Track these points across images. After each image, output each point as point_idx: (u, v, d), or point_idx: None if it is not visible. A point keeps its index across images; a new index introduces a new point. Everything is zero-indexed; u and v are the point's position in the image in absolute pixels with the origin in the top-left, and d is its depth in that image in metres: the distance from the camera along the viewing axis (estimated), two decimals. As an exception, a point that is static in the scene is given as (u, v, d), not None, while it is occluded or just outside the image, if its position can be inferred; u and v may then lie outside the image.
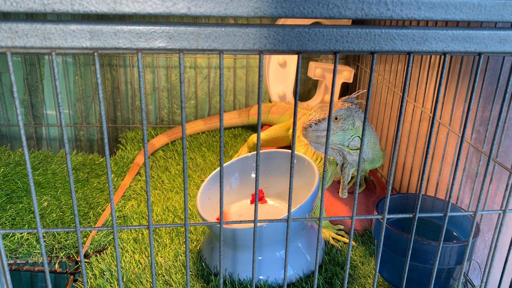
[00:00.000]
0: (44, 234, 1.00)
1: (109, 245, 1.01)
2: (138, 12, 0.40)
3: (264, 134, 1.33)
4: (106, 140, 0.45)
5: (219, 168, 1.20)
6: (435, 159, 1.06)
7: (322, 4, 0.41)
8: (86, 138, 1.70)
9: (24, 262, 0.97)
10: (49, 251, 0.99)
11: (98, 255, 0.96)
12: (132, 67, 1.62)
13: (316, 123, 0.89)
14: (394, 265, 0.80)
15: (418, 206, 0.52)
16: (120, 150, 1.53)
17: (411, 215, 0.53)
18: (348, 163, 0.96)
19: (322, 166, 1.02)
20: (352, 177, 1.09)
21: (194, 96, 1.69)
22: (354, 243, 1.02)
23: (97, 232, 1.02)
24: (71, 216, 1.10)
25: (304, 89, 1.76)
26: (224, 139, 1.26)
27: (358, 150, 0.95)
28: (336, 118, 0.91)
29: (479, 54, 0.45)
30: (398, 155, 1.25)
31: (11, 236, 0.99)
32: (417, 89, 1.13)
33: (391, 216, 0.53)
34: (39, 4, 0.38)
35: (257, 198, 0.51)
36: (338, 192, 1.12)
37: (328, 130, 0.48)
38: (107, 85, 1.63)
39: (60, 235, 1.01)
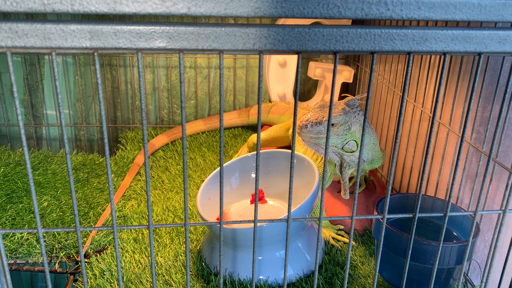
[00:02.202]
0: (44, 234, 1.00)
1: (109, 245, 1.01)
2: (138, 12, 0.40)
3: (264, 134, 1.33)
4: (106, 140, 0.45)
5: (219, 168, 1.20)
6: (435, 159, 1.06)
7: (322, 4, 0.41)
8: (86, 138, 1.70)
9: (24, 262, 0.97)
10: (49, 251, 0.99)
11: (98, 255, 0.96)
12: (132, 67, 1.62)
13: (312, 125, 0.89)
14: (394, 265, 0.80)
15: (418, 206, 0.52)
16: (120, 150, 1.53)
17: (411, 215, 0.53)
18: (346, 163, 0.96)
19: (322, 166, 1.02)
20: (351, 177, 1.09)
21: (194, 96, 1.69)
22: (354, 243, 1.02)
23: (97, 232, 1.02)
24: (71, 216, 1.10)
25: (304, 89, 1.76)
26: (224, 139, 1.26)
27: (354, 152, 0.95)
28: (332, 125, 0.91)
29: (479, 54, 0.45)
30: (398, 155, 1.25)
31: (11, 236, 0.99)
32: (417, 89, 1.13)
33: (391, 216, 0.53)
34: (39, 4, 0.38)
35: (257, 198, 0.51)
36: (338, 192, 1.12)
37: (328, 131, 0.48)
38: (107, 85, 1.63)
39: (60, 235, 1.01)
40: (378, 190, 1.16)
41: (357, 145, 0.94)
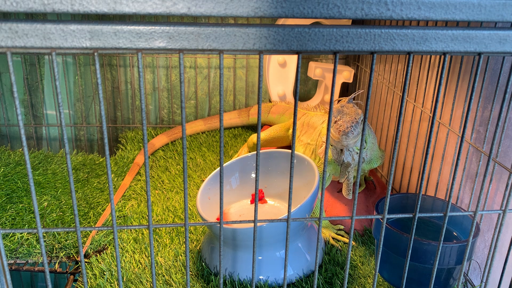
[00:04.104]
0: (44, 234, 1.00)
1: (109, 245, 1.01)
2: (138, 12, 0.40)
3: (264, 134, 1.33)
4: (106, 140, 0.45)
5: (219, 168, 1.20)
6: (435, 159, 1.06)
7: (322, 4, 0.41)
8: (86, 138, 1.70)
9: (24, 262, 0.97)
10: (49, 251, 0.99)
11: (98, 255, 0.96)
12: (132, 67, 1.62)
13: (353, 128, 0.87)
14: (394, 265, 0.80)
15: (418, 206, 0.52)
16: (120, 150, 1.53)
17: (411, 215, 0.53)
18: (354, 163, 0.96)
19: (322, 166, 1.02)
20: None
21: (194, 96, 1.69)
22: (354, 243, 1.02)
23: (97, 232, 1.02)
24: (71, 216, 1.10)
25: (304, 89, 1.76)
26: (224, 139, 1.26)
27: (364, 149, 0.95)
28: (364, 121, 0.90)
29: (479, 54, 0.45)
30: (398, 155, 1.25)
31: (11, 236, 0.99)
32: (417, 89, 1.13)
33: (391, 216, 0.53)
34: (39, 4, 0.38)
35: (257, 198, 0.51)
36: (338, 192, 1.12)
37: (328, 131, 0.48)
38: (107, 85, 1.63)
39: (60, 235, 1.01)
40: (378, 190, 1.16)
41: (365, 141, 0.95)
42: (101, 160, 1.46)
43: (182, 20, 1.49)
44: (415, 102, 1.13)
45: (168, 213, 1.13)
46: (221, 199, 0.50)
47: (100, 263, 0.93)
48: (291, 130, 1.30)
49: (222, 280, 0.53)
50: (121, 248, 0.98)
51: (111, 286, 0.87)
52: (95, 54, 0.41)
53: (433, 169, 1.07)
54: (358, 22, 1.49)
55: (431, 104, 1.06)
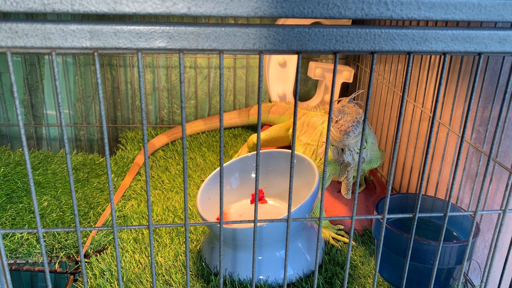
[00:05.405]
0: (44, 234, 1.00)
1: (109, 245, 1.01)
2: (138, 12, 0.40)
3: (264, 134, 1.33)
4: (106, 140, 0.45)
5: (219, 168, 1.20)
6: (435, 159, 1.06)
7: (322, 4, 0.41)
8: (86, 138, 1.70)
9: (24, 262, 0.97)
10: (49, 251, 0.99)
11: (98, 255, 0.96)
12: (132, 67, 1.62)
13: (354, 128, 0.87)
14: (394, 265, 0.80)
15: (418, 206, 0.52)
16: (120, 150, 1.53)
17: (411, 215, 0.53)
18: (354, 163, 0.96)
19: (322, 166, 1.02)
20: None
21: (194, 96, 1.69)
22: (354, 243, 1.02)
23: (97, 232, 1.02)
24: (71, 216, 1.10)
25: (304, 89, 1.76)
26: (224, 139, 1.26)
27: (364, 149, 0.95)
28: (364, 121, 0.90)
29: (479, 54, 0.45)
30: (398, 155, 1.25)
31: (11, 236, 0.99)
32: (417, 89, 1.13)
33: (391, 216, 0.53)
34: (39, 4, 0.38)
35: (257, 198, 0.51)
36: (338, 192, 1.12)
37: (328, 131, 0.48)
38: (107, 85, 1.63)
39: (60, 235, 1.01)
40: (378, 190, 1.16)
41: (366, 141, 0.95)
42: (101, 160, 1.46)
43: (182, 20, 1.49)
44: (415, 102, 1.13)
45: (168, 213, 1.13)
46: (221, 199, 0.50)
47: (100, 263, 0.93)
48: (291, 130, 1.30)
49: (222, 280, 0.53)
50: (121, 248, 0.98)
51: (111, 286, 0.87)
52: (95, 54, 0.41)
53: (433, 169, 1.07)
54: (358, 22, 1.49)
55: (431, 104, 1.06)
